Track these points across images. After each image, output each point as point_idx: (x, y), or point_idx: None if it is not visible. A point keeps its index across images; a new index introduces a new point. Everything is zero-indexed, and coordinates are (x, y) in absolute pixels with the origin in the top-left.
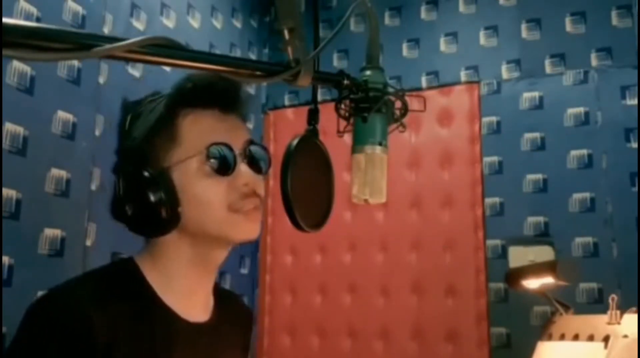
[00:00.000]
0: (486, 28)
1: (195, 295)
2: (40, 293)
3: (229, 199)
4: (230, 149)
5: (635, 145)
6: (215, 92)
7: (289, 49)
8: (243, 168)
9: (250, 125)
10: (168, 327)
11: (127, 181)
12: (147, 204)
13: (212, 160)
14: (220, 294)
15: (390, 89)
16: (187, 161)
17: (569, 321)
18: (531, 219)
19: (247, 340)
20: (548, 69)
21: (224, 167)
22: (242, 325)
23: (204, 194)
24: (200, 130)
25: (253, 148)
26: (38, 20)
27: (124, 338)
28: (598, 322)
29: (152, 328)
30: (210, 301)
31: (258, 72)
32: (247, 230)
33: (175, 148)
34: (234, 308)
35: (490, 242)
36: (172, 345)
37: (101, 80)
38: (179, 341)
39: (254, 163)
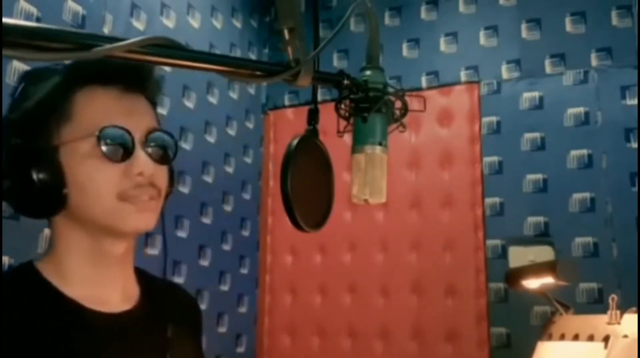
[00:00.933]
0: (486, 28)
1: (103, 286)
2: None
3: (120, 187)
4: (128, 133)
5: (635, 145)
6: (117, 68)
7: (289, 49)
8: (141, 155)
9: (250, 125)
10: (77, 320)
11: (9, 154)
12: (28, 182)
13: (103, 144)
14: (149, 284)
15: (390, 89)
16: (78, 142)
17: (569, 321)
18: (531, 219)
19: (191, 337)
20: (548, 69)
21: (116, 153)
22: (181, 315)
23: (91, 180)
24: (95, 110)
25: (155, 135)
26: (38, 20)
27: (30, 341)
28: (598, 322)
29: (59, 326)
30: (133, 291)
31: (258, 72)
32: (137, 221)
33: (66, 125)
34: (169, 298)
35: (490, 242)
36: (85, 338)
37: None
38: (92, 332)
39: (154, 152)
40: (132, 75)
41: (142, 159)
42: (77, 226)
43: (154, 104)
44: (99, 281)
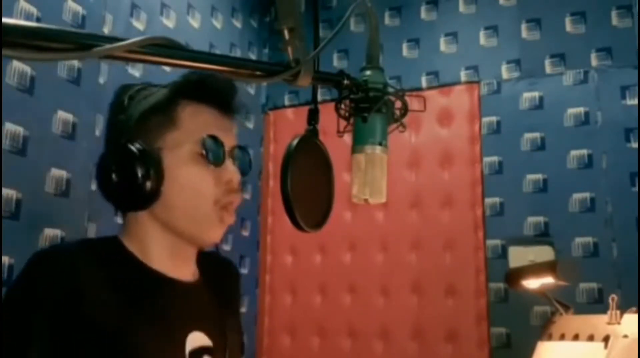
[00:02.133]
0: (486, 28)
1: (176, 260)
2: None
3: (215, 192)
4: (222, 145)
5: (635, 145)
6: (218, 92)
7: (289, 49)
8: (230, 165)
9: (250, 125)
10: (158, 286)
11: (117, 152)
12: (132, 175)
13: (205, 149)
14: (204, 260)
15: (390, 89)
16: (181, 146)
17: (569, 321)
18: (531, 219)
19: (237, 306)
20: (548, 69)
21: (215, 158)
22: (231, 285)
23: (193, 180)
24: (198, 121)
25: (240, 151)
26: (38, 20)
27: (113, 299)
28: (598, 322)
29: (141, 290)
30: (195, 269)
31: (258, 72)
32: (215, 234)
33: (171, 131)
34: (220, 270)
35: (490, 242)
36: (165, 302)
37: (101, 80)
38: (169, 296)
39: (238, 164)
40: (230, 101)
41: (231, 168)
42: (160, 226)
43: (235, 126)
44: (174, 259)
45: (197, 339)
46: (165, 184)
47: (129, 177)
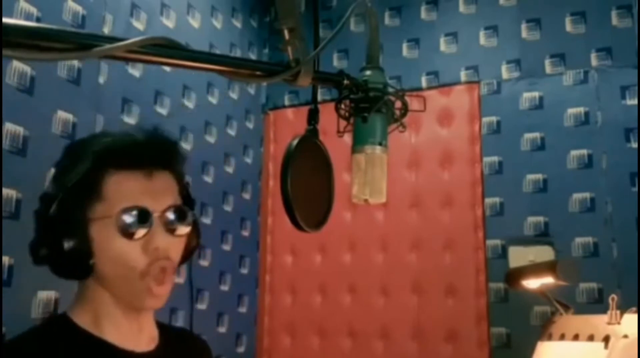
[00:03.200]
0: (486, 28)
1: (134, 330)
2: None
3: (141, 264)
4: (147, 213)
5: (635, 145)
6: (141, 155)
7: (289, 49)
8: (158, 231)
9: (250, 125)
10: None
11: (46, 225)
12: (60, 251)
13: (124, 224)
14: (166, 330)
15: (390, 89)
16: (107, 218)
17: (569, 321)
18: (531, 219)
19: None
20: (548, 69)
21: (135, 231)
22: (197, 354)
23: (119, 255)
24: (120, 192)
25: (171, 211)
26: (38, 20)
27: None
28: (598, 322)
29: None
30: (153, 334)
31: (258, 72)
32: (152, 301)
33: (98, 203)
34: (185, 340)
35: (490, 242)
36: None
37: (101, 80)
38: None
39: (170, 227)
40: (157, 158)
41: (159, 235)
42: (107, 291)
43: (180, 175)
44: (130, 325)
45: None
46: (97, 256)
47: (58, 252)
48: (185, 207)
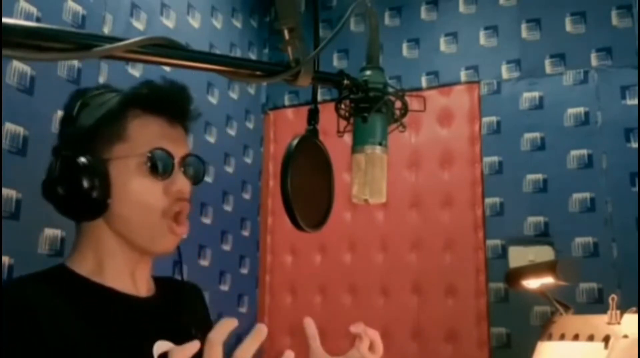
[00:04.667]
0: (486, 28)
1: (130, 273)
2: None
3: (163, 203)
4: (171, 156)
5: (635, 145)
6: (167, 101)
7: (289, 49)
8: (179, 175)
9: (250, 125)
10: (112, 304)
11: (64, 163)
12: (79, 188)
13: (152, 162)
14: (156, 279)
15: (390, 89)
16: (129, 158)
17: (569, 321)
18: (531, 219)
19: (203, 314)
20: (548, 69)
21: (162, 171)
22: (191, 299)
23: (140, 194)
24: (147, 133)
25: (190, 159)
26: (38, 20)
27: (72, 326)
28: (598, 322)
29: (96, 310)
30: (150, 283)
31: (258, 72)
32: (167, 245)
33: (119, 143)
34: (178, 288)
35: (490, 242)
36: (121, 319)
37: (101, 80)
38: (128, 314)
39: (188, 173)
40: (178, 109)
41: (180, 179)
42: (114, 235)
43: (188, 133)
44: (128, 269)
45: (163, 346)
46: (114, 197)
47: (75, 189)
48: (201, 158)
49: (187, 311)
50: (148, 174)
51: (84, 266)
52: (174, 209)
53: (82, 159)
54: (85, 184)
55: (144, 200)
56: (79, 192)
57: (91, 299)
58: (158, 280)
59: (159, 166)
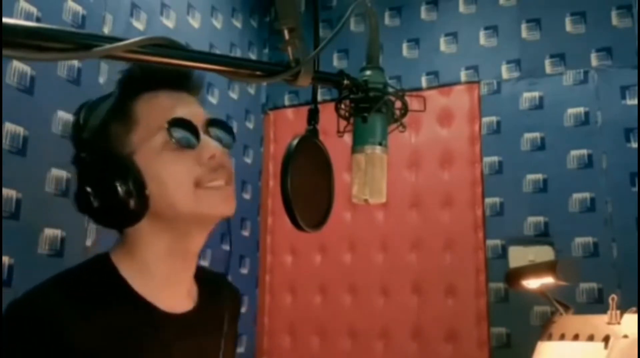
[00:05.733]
0: (486, 28)
1: (175, 285)
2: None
3: (195, 173)
4: (190, 122)
5: (635, 145)
6: (161, 72)
7: (289, 49)
8: (208, 140)
9: (250, 125)
10: (148, 320)
11: (89, 171)
12: (113, 194)
13: (174, 135)
14: (203, 278)
15: (390, 89)
16: (149, 141)
17: (569, 321)
18: (531, 219)
19: (234, 326)
20: (548, 69)
21: (188, 140)
22: (229, 308)
23: (167, 171)
24: (156, 108)
25: (215, 122)
26: (38, 20)
27: (102, 338)
28: (598, 322)
29: (131, 324)
30: (193, 289)
31: (258, 72)
32: (219, 204)
33: (133, 130)
34: (220, 292)
35: (490, 242)
36: (154, 338)
37: (101, 80)
38: (160, 334)
39: (218, 137)
40: (177, 77)
41: (210, 144)
42: (158, 224)
43: (201, 103)
44: (171, 278)
45: None
46: (150, 186)
47: (111, 197)
48: (224, 120)
49: (225, 318)
50: (174, 148)
51: (125, 263)
52: (209, 178)
53: (107, 162)
54: (120, 188)
55: (175, 175)
56: (116, 198)
57: (128, 315)
58: (204, 279)
59: (181, 136)
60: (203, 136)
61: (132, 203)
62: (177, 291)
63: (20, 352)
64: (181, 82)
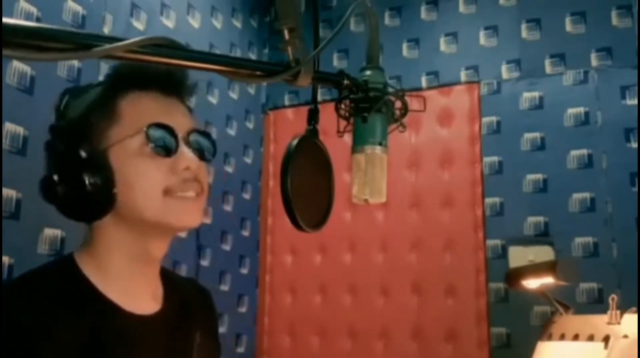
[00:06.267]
0: (486, 28)
1: (138, 286)
2: None
3: (166, 182)
4: (172, 130)
5: (635, 145)
6: (154, 73)
7: (289, 49)
8: (185, 151)
9: (250, 125)
10: (112, 321)
11: (60, 160)
12: (80, 185)
13: (151, 140)
14: (170, 281)
15: (390, 89)
16: (126, 141)
17: (569, 321)
18: (531, 219)
19: (210, 325)
20: (548, 69)
21: (165, 147)
22: (200, 309)
23: (139, 176)
24: (140, 110)
25: (196, 134)
26: (38, 20)
27: (67, 338)
28: (598, 322)
29: (94, 325)
30: (158, 290)
31: (258, 72)
32: (184, 216)
33: (113, 127)
34: (188, 294)
35: (490, 242)
36: (118, 339)
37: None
38: (126, 335)
39: (197, 149)
40: (169, 80)
41: (187, 155)
42: (122, 226)
43: (188, 108)
44: (135, 280)
45: None
46: (118, 185)
47: (77, 188)
48: (208, 133)
49: (195, 323)
50: (150, 153)
51: (88, 264)
52: (180, 189)
53: (80, 153)
54: (88, 181)
55: (145, 180)
56: (82, 189)
57: (91, 313)
58: (172, 283)
59: (158, 143)
60: (182, 146)
61: (97, 198)
62: (141, 294)
63: None
64: (172, 86)
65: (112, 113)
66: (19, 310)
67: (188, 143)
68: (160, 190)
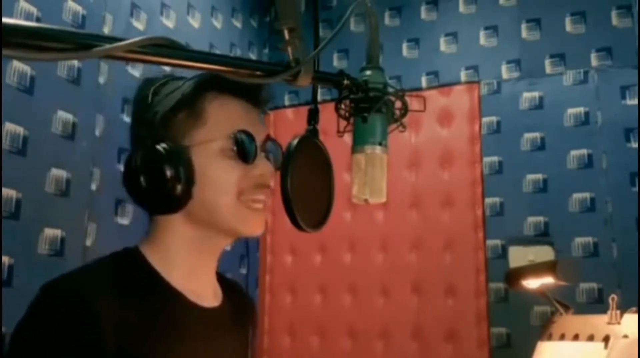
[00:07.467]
0: (486, 28)
1: (200, 278)
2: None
3: (241, 185)
4: (254, 139)
5: (635, 145)
6: (246, 83)
7: (289, 49)
8: (262, 159)
9: None
10: (177, 310)
11: (145, 153)
12: (162, 178)
13: (237, 145)
14: (225, 282)
15: (390, 89)
16: (210, 143)
17: (569, 321)
18: (531, 219)
19: (256, 324)
20: (548, 69)
21: (247, 154)
22: (249, 315)
23: (218, 176)
24: (227, 115)
25: (271, 144)
26: (38, 20)
27: (135, 322)
28: (598, 322)
29: (162, 311)
30: (217, 287)
31: (258, 72)
32: (251, 226)
33: (199, 128)
34: (240, 298)
35: (490, 242)
36: (182, 328)
37: (101, 80)
38: (189, 325)
39: (270, 158)
40: (257, 92)
41: (265, 163)
42: (190, 222)
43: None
44: (199, 274)
45: None
46: (196, 184)
47: (159, 181)
48: (279, 143)
49: (248, 320)
50: (232, 157)
51: (156, 256)
52: (252, 194)
53: (166, 148)
54: (170, 175)
55: (224, 181)
56: (164, 184)
57: (158, 301)
58: (223, 282)
59: (244, 149)
60: (260, 154)
61: (176, 192)
62: (204, 287)
63: (55, 331)
64: (253, 93)
65: (199, 115)
66: (94, 290)
67: (264, 150)
68: (235, 192)
